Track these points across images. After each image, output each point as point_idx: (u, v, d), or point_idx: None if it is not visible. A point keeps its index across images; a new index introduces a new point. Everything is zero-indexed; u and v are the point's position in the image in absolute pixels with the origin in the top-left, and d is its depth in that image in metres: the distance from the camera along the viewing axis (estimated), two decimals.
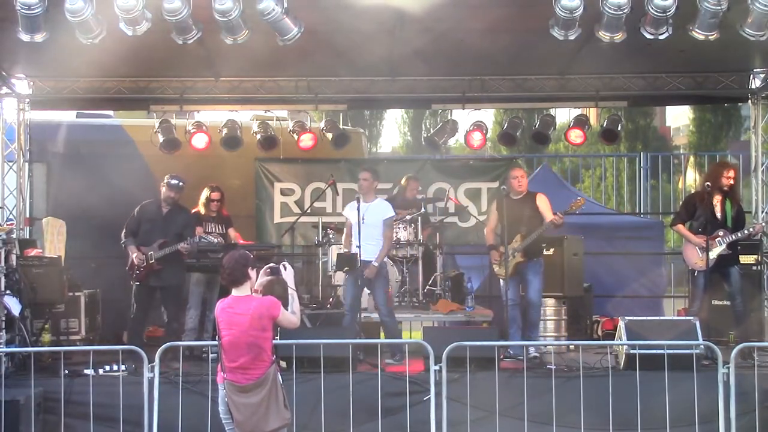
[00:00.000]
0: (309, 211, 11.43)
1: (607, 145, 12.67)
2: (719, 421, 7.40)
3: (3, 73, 9.84)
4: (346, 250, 9.19)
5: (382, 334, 9.50)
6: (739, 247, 9.35)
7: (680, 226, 9.44)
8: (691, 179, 18.98)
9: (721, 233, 9.11)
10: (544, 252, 9.41)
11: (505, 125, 11.97)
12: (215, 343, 6.26)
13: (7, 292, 8.52)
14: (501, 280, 9.14)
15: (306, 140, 11.50)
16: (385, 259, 9.19)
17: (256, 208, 12.13)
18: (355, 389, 7.69)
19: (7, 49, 8.85)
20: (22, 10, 7.06)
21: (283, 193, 12.17)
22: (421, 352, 7.88)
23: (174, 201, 9.42)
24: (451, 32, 8.67)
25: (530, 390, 7.65)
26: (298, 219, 11.36)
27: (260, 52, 8.44)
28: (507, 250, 8.91)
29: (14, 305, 8.50)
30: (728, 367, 7.42)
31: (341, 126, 12.14)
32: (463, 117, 11.69)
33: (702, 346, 8.07)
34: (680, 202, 10.97)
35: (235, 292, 6.07)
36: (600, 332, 10.68)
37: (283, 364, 7.75)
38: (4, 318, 8.46)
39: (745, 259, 9.70)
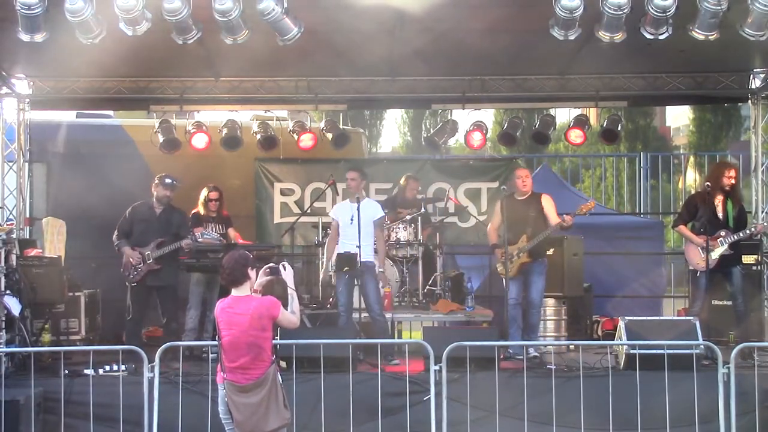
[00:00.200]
0: (309, 211, 11.43)
1: (607, 145, 12.66)
2: (719, 421, 7.41)
3: (3, 73, 9.85)
4: (330, 254, 9.25)
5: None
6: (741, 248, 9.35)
7: (682, 227, 9.45)
8: (691, 179, 18.97)
9: (722, 233, 9.11)
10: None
11: (505, 125, 11.97)
12: (215, 343, 6.26)
13: (7, 292, 8.52)
14: (504, 280, 9.15)
15: (306, 140, 11.50)
16: (375, 258, 9.19)
17: (256, 208, 12.13)
18: (355, 389, 7.69)
19: (7, 49, 8.85)
20: (22, 10, 7.06)
21: (283, 193, 12.17)
22: (421, 352, 7.88)
23: (169, 200, 9.43)
24: (451, 32, 8.67)
25: (530, 390, 7.65)
26: (298, 219, 11.36)
27: (260, 52, 8.43)
28: (507, 250, 8.92)
29: (14, 305, 8.50)
30: (728, 367, 7.43)
31: (341, 126, 12.13)
32: (463, 117, 11.71)
33: (702, 346, 8.07)
34: (680, 202, 11.00)
35: (234, 292, 6.07)
36: (600, 332, 10.68)
37: (283, 364, 7.77)
38: (4, 318, 8.46)
39: (745, 259, 9.69)
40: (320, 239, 10.67)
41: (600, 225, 12.16)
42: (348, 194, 9.23)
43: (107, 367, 8.30)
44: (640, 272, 12.51)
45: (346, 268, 8.94)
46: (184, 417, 7.50)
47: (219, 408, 6.12)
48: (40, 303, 9.20)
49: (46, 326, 9.41)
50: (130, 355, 7.87)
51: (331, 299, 10.01)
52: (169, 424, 7.50)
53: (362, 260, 8.88)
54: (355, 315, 9.12)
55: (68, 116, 12.41)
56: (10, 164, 10.30)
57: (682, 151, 27.45)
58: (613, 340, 8.81)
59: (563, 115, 17.52)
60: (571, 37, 7.59)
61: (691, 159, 20.27)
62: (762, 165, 10.31)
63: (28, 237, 10.48)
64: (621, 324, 8.51)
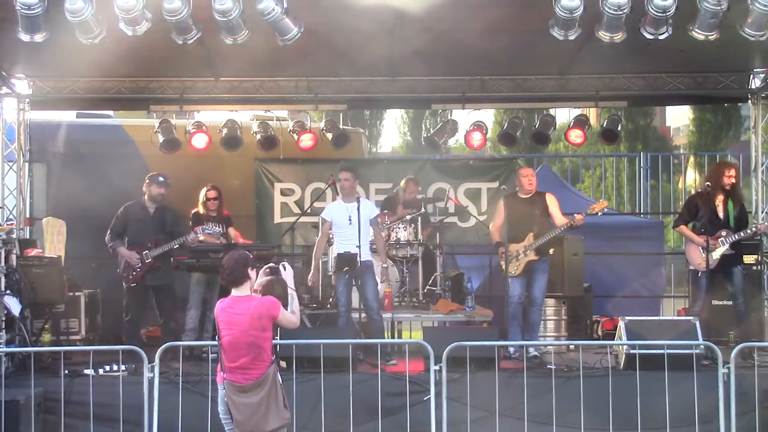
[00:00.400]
0: (309, 211, 11.43)
1: (607, 145, 12.66)
2: (719, 421, 7.41)
3: (3, 73, 9.84)
4: (319, 254, 9.30)
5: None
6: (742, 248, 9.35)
7: (683, 227, 9.45)
8: (691, 179, 18.97)
9: (723, 233, 9.11)
10: None
11: (505, 125, 11.96)
12: (215, 343, 6.26)
13: (7, 292, 8.52)
14: (508, 278, 9.15)
15: (306, 140, 11.50)
16: (372, 256, 9.19)
17: (256, 208, 12.14)
18: (355, 389, 7.69)
19: (7, 49, 8.85)
20: (22, 10, 7.06)
21: (283, 193, 12.18)
22: (421, 352, 7.87)
23: (163, 198, 9.44)
24: (451, 32, 8.67)
25: (530, 390, 7.65)
26: (298, 219, 11.36)
27: (260, 52, 8.43)
28: (507, 248, 8.94)
29: (14, 305, 8.50)
30: (728, 367, 7.43)
31: (341, 126, 12.13)
32: (463, 117, 11.71)
33: (702, 346, 8.08)
34: (680, 202, 11.00)
35: (234, 292, 6.07)
36: (600, 332, 10.68)
37: (283, 364, 7.77)
38: (4, 318, 8.46)
39: (745, 259, 9.68)
40: None
41: (600, 225, 12.13)
42: (345, 194, 9.20)
43: (107, 367, 8.30)
44: (640, 272, 12.52)
45: (346, 268, 8.95)
46: (184, 417, 7.50)
47: (219, 408, 6.12)
48: (40, 303, 9.20)
49: (46, 326, 9.41)
50: (130, 355, 7.87)
51: (331, 299, 10.01)
52: (169, 424, 7.50)
53: (362, 260, 8.88)
54: (355, 315, 9.12)
55: (68, 116, 12.41)
56: (10, 164, 10.30)
57: (682, 151, 27.46)
58: (613, 340, 8.81)
59: (563, 115, 17.52)
60: (571, 37, 7.59)
61: (691, 159, 20.26)
62: (762, 165, 10.31)
63: (28, 237, 10.48)
64: (621, 324, 8.51)
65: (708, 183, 9.32)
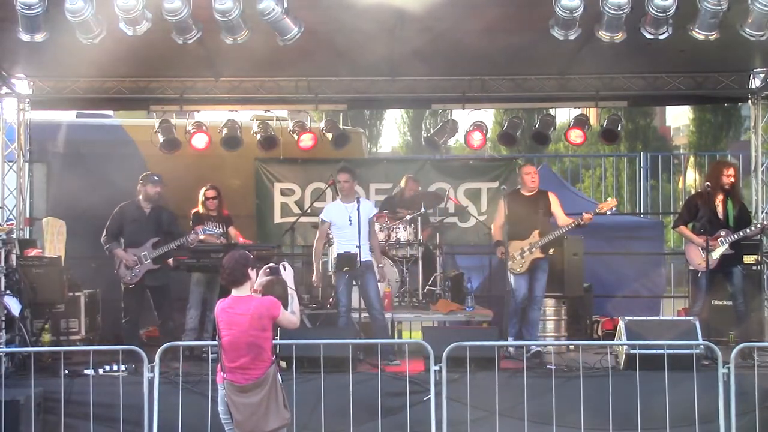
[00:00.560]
0: (309, 211, 11.43)
1: (607, 145, 12.66)
2: (719, 421, 7.41)
3: (3, 73, 9.85)
4: (318, 255, 9.27)
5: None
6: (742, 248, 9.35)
7: (683, 228, 9.45)
8: (691, 179, 18.97)
9: (722, 233, 9.11)
10: None
11: (505, 125, 11.95)
12: (215, 343, 6.26)
13: (7, 292, 8.51)
14: (511, 275, 9.16)
15: (306, 140, 11.50)
16: (372, 256, 9.20)
17: (256, 208, 12.14)
18: (355, 389, 7.68)
19: (7, 49, 8.85)
20: (22, 10, 7.06)
21: (283, 193, 12.18)
22: (421, 352, 7.87)
23: (159, 198, 9.44)
24: (451, 32, 8.67)
25: (530, 390, 7.65)
26: (298, 219, 11.35)
27: (260, 52, 8.43)
28: (507, 245, 8.96)
29: (14, 305, 8.50)
30: (728, 367, 7.43)
31: (341, 126, 12.13)
32: (463, 117, 11.71)
33: (702, 346, 8.07)
34: (680, 202, 11.00)
35: (235, 292, 6.07)
36: (600, 332, 10.68)
37: (283, 364, 7.77)
38: (4, 318, 8.45)
39: (745, 259, 9.68)
40: None
41: (600, 225, 12.10)
42: (345, 195, 9.20)
43: (107, 367, 8.30)
44: (639, 272, 12.52)
45: (346, 268, 8.94)
46: (184, 417, 7.50)
47: (219, 408, 6.11)
48: (40, 303, 9.20)
49: (46, 326, 9.41)
50: (130, 355, 7.87)
51: (331, 299, 10.01)
52: (169, 424, 7.50)
53: (362, 260, 8.89)
54: (355, 315, 9.12)
55: (68, 116, 12.41)
56: (10, 164, 10.30)
57: (682, 151, 27.46)
58: (613, 340, 8.81)
59: (563, 115, 17.51)
60: (571, 37, 7.59)
61: (691, 159, 20.28)
62: (762, 165, 10.32)
63: (28, 237, 10.48)
64: (621, 324, 8.51)
65: (708, 183, 9.32)
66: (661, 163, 17.82)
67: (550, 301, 9.96)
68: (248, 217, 11.82)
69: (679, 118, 34.83)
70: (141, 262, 9.25)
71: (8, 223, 9.78)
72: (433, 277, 10.59)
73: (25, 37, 7.37)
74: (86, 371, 7.92)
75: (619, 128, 11.41)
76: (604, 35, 7.55)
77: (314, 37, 8.24)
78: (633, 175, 17.24)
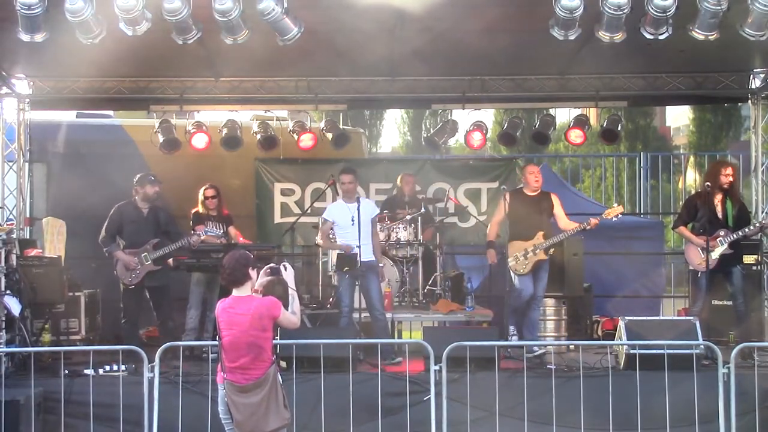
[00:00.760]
0: (309, 211, 11.43)
1: (607, 145, 12.65)
2: (719, 421, 7.41)
3: (3, 73, 9.85)
4: (340, 251, 9.20)
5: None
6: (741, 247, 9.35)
7: (682, 228, 9.45)
8: (691, 179, 18.96)
9: (722, 233, 9.12)
10: None
11: (505, 125, 11.96)
12: (215, 343, 6.26)
13: (7, 292, 8.52)
14: (515, 276, 9.16)
15: (306, 140, 11.50)
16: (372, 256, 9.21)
17: (256, 208, 12.13)
18: (355, 389, 7.69)
19: (7, 49, 8.85)
20: (22, 10, 7.06)
21: (283, 193, 12.17)
22: (421, 352, 7.88)
23: (158, 197, 9.44)
24: (451, 32, 8.67)
25: (530, 390, 7.65)
26: (298, 219, 11.35)
27: (260, 52, 8.43)
28: (506, 244, 8.98)
29: (14, 305, 8.50)
30: (728, 367, 7.43)
31: (341, 126, 12.14)
32: (463, 117, 11.71)
33: (702, 346, 8.07)
34: (680, 202, 10.99)
35: (235, 292, 6.06)
36: (600, 332, 10.68)
37: (283, 364, 7.77)
38: (4, 318, 8.45)
39: (745, 259, 9.69)
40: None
41: (600, 225, 12.07)
42: (347, 196, 9.21)
43: (107, 367, 8.30)
44: (639, 272, 12.51)
45: (346, 268, 8.94)
46: (184, 417, 7.50)
47: (219, 408, 6.11)
48: (40, 303, 9.20)
49: (46, 326, 9.41)
50: (130, 355, 7.87)
51: (331, 299, 10.02)
52: (169, 424, 7.50)
53: (364, 260, 8.89)
54: (355, 315, 9.12)
55: (68, 116, 12.41)
56: (10, 164, 10.31)
57: (682, 151, 27.43)
58: (613, 340, 8.81)
59: (563, 115, 17.51)
60: (571, 37, 7.59)
61: (691, 159, 20.27)
62: (762, 165, 10.32)
63: (28, 237, 10.48)
64: (621, 324, 8.51)
65: (708, 183, 9.32)
66: (661, 163, 17.81)
67: (550, 301, 9.96)
68: (248, 217, 11.82)
69: (679, 118, 34.82)
70: (142, 264, 9.25)
71: (8, 223, 9.78)
72: (433, 277, 10.58)
73: (25, 37, 7.37)
74: (86, 371, 7.92)
75: (619, 128, 11.41)
76: (604, 35, 7.55)
77: (314, 37, 8.24)
78: (633, 175, 17.23)
